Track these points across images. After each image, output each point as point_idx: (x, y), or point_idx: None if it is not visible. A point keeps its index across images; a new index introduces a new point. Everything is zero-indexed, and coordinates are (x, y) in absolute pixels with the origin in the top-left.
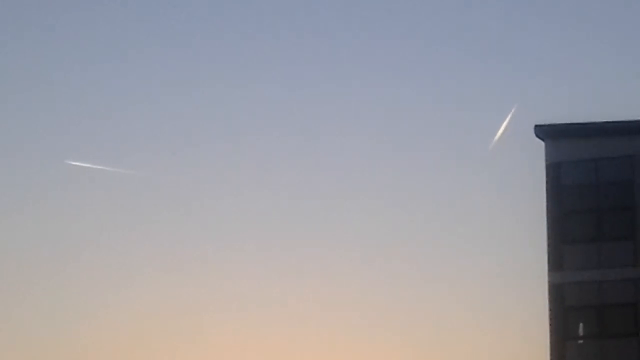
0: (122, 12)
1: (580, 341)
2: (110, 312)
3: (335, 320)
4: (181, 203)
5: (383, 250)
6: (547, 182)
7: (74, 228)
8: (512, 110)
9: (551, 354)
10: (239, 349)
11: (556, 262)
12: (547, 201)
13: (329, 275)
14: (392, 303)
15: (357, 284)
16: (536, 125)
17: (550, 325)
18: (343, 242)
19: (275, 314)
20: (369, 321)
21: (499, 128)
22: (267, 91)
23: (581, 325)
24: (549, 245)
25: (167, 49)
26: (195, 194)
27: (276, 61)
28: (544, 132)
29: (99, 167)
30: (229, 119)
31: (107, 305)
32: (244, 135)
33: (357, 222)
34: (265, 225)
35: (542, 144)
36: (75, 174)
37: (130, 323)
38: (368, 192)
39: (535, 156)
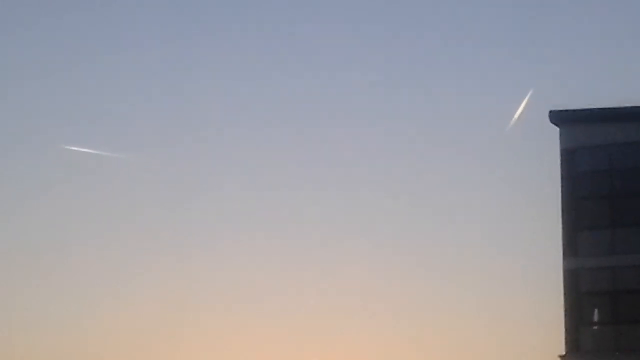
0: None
1: (595, 327)
2: (105, 307)
3: (336, 316)
4: (180, 194)
5: (400, 235)
6: (561, 168)
7: (67, 216)
8: (527, 96)
9: (566, 339)
10: (235, 344)
11: (571, 248)
12: (562, 187)
13: (331, 271)
14: (404, 288)
15: (363, 277)
16: (551, 111)
17: (565, 310)
18: (349, 236)
19: (272, 309)
20: (373, 315)
21: (514, 114)
22: (266, 83)
23: (596, 310)
24: (563, 231)
25: (166, 38)
26: (196, 185)
27: (277, 54)
28: (559, 117)
29: (95, 151)
30: (231, 109)
31: (102, 300)
32: (246, 126)
33: (367, 214)
34: (263, 219)
35: (557, 129)
36: (70, 158)
37: (127, 317)
38: (380, 181)
39: (549, 142)
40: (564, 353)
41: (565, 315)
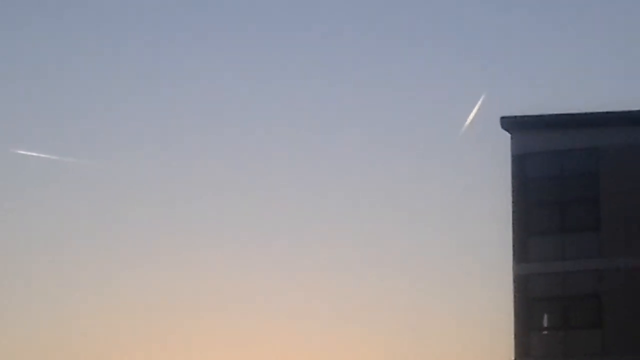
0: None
1: (545, 332)
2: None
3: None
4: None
5: (346, 239)
6: (512, 174)
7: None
8: (479, 102)
9: (516, 345)
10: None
11: (521, 253)
12: (513, 193)
13: (310, 271)
14: (360, 298)
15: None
16: (502, 117)
17: (515, 316)
18: (317, 240)
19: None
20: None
21: (465, 120)
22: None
23: (546, 316)
24: (514, 237)
25: (135, 36)
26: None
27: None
28: (510, 123)
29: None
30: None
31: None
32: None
33: (326, 221)
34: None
35: (508, 135)
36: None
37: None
38: (332, 187)
39: (501, 148)
40: (513, 358)
41: (515, 320)
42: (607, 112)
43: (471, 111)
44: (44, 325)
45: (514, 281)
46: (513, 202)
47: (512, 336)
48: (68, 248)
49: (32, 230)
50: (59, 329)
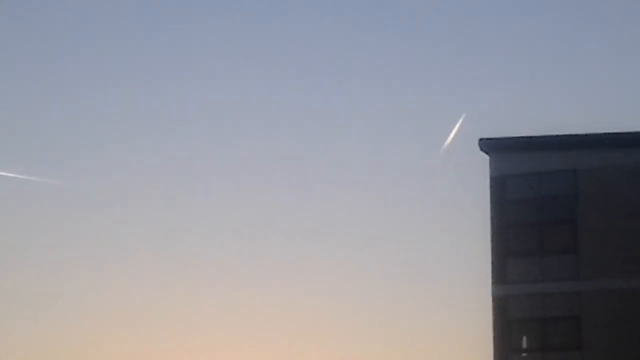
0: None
1: (524, 354)
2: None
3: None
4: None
5: (334, 261)
6: (491, 195)
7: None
8: (457, 124)
9: None
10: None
11: (499, 274)
12: (491, 214)
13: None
14: (328, 313)
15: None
16: (480, 139)
17: (494, 337)
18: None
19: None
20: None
21: (443, 141)
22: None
23: (524, 337)
24: (492, 258)
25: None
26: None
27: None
28: (488, 145)
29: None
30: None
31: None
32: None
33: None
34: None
35: (487, 157)
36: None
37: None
38: (314, 202)
39: (479, 169)
40: None
41: (494, 341)
42: (585, 134)
43: (450, 132)
44: (44, 326)
45: (493, 302)
46: (492, 223)
47: (491, 358)
48: (68, 248)
49: (32, 230)
50: (58, 329)
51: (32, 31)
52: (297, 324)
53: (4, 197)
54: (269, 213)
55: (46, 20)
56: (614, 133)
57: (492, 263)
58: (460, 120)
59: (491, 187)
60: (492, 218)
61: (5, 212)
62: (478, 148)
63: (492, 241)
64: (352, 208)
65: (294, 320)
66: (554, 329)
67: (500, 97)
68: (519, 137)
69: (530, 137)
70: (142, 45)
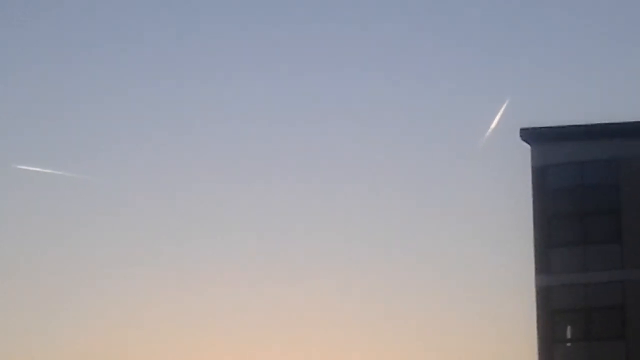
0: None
1: (568, 344)
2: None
3: (322, 316)
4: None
5: (368, 254)
6: (533, 185)
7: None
8: (499, 114)
9: (539, 357)
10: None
11: (543, 265)
12: (534, 204)
13: (306, 273)
14: (379, 308)
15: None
16: (522, 129)
17: (538, 328)
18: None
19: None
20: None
21: (485, 131)
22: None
23: (568, 328)
24: (535, 249)
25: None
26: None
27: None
28: (530, 135)
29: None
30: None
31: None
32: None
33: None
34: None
35: (528, 147)
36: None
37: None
38: (350, 193)
39: (521, 159)
40: None
41: (538, 332)
42: (627, 123)
43: (491, 123)
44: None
45: (536, 293)
46: (534, 213)
47: (535, 348)
48: (68, 249)
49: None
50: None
51: (53, 33)
52: (321, 325)
53: None
54: (295, 211)
55: (72, 20)
56: None
57: (535, 253)
58: (502, 110)
59: (533, 177)
60: (534, 208)
61: None
62: (519, 138)
63: (535, 231)
64: (393, 201)
65: (315, 321)
66: (597, 318)
67: (542, 86)
68: (560, 127)
69: (572, 126)
70: (162, 46)
